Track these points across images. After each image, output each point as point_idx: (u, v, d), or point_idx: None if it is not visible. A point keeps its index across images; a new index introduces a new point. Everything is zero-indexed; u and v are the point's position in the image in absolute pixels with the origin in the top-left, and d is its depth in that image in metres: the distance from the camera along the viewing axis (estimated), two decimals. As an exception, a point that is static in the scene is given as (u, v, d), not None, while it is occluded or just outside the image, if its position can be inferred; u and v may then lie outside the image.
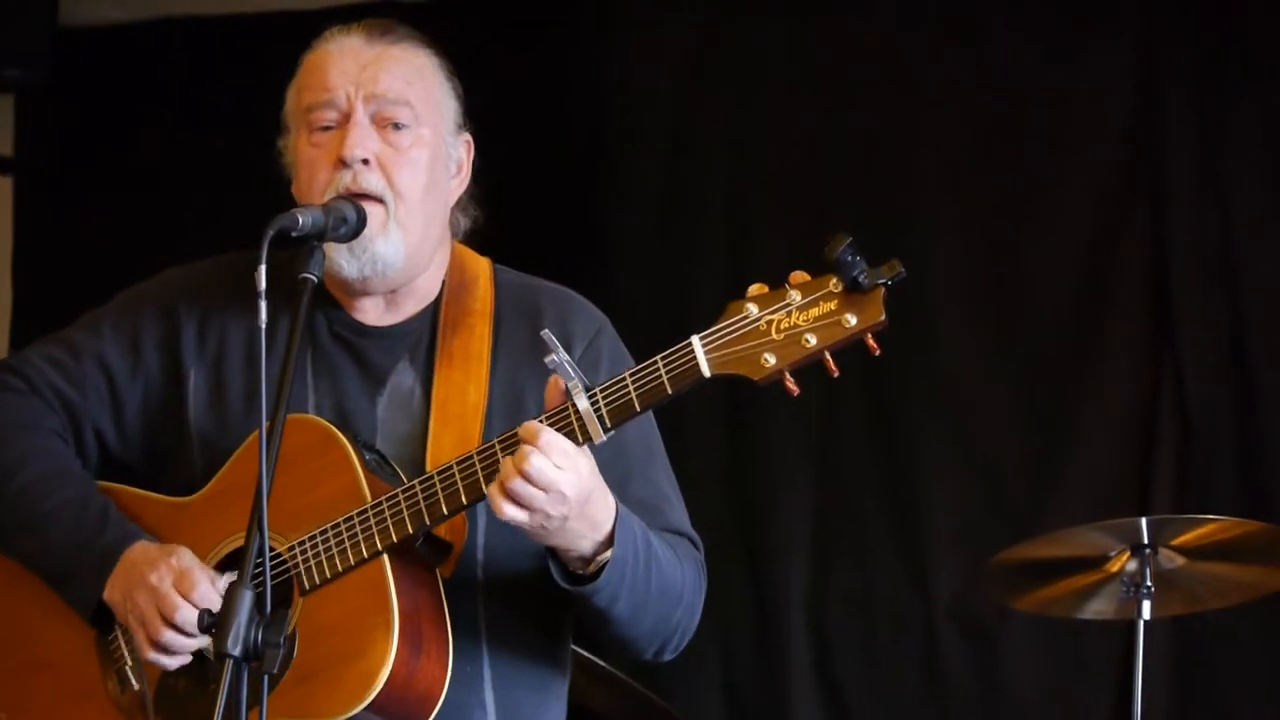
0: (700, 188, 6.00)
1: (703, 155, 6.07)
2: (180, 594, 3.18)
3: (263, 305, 2.92)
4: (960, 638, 5.71)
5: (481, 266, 3.48)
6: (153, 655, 3.22)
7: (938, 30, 5.89)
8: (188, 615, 3.16)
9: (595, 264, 5.74)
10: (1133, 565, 4.69)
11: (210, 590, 3.19)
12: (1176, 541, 4.69)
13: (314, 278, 3.10)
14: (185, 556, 3.24)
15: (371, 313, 3.43)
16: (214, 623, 2.84)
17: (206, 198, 6.26)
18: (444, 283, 3.44)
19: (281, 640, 2.81)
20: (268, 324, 2.99)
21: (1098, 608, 4.85)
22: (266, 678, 2.81)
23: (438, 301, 3.42)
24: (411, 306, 3.43)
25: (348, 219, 3.22)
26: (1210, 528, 4.70)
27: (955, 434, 5.78)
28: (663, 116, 6.16)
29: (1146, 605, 4.67)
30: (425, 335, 3.40)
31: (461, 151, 3.45)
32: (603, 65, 6.24)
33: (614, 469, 3.28)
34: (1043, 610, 4.97)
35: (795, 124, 5.92)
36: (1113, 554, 4.73)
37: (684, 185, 6.05)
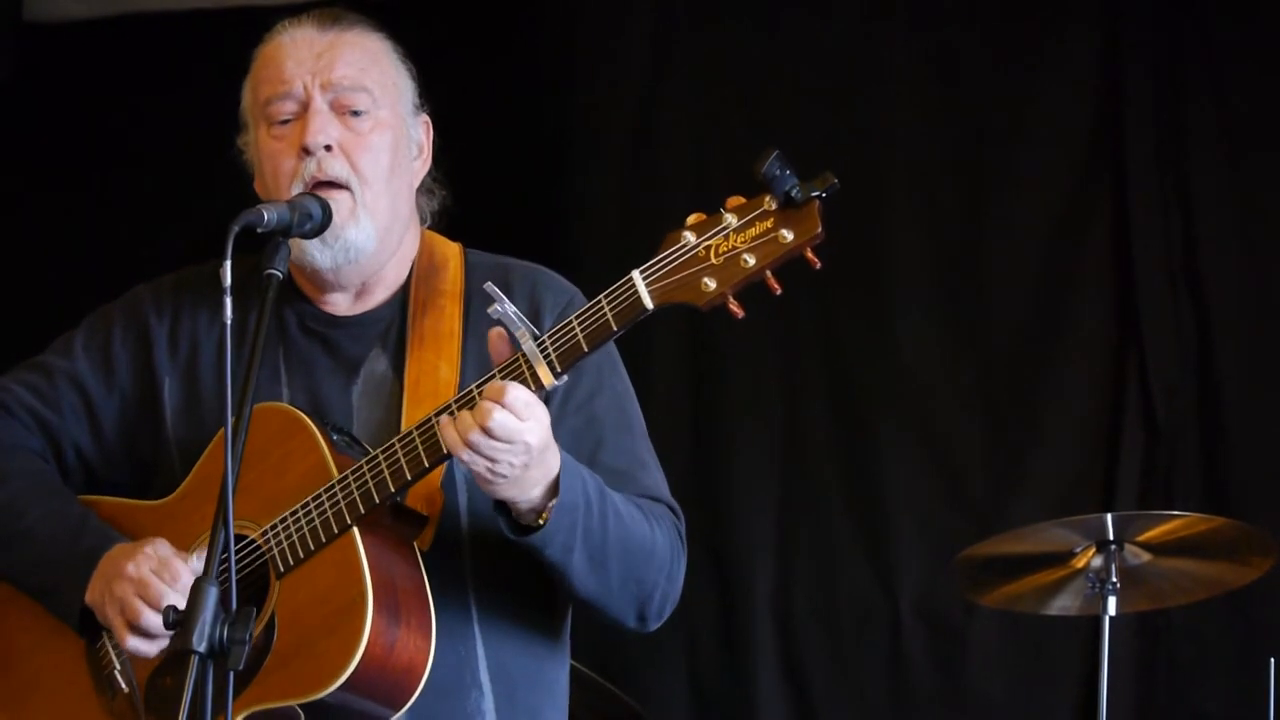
0: (663, 181, 6.01)
1: (666, 148, 6.07)
2: (158, 576, 3.18)
3: (228, 301, 2.91)
4: (926, 634, 5.72)
5: (451, 250, 3.48)
6: (131, 642, 3.20)
7: (900, 28, 5.90)
8: (170, 601, 3.14)
9: (560, 256, 5.75)
10: (1098, 561, 4.72)
11: (184, 572, 3.18)
12: (1142, 538, 4.71)
13: (279, 274, 3.08)
14: (162, 546, 3.23)
15: (341, 302, 3.42)
16: (179, 620, 2.83)
17: (170, 194, 6.24)
18: (412, 267, 3.44)
19: (248, 637, 2.80)
20: (238, 323, 2.99)
21: (1063, 604, 4.87)
22: (232, 675, 2.80)
23: (406, 286, 3.42)
24: (381, 293, 3.43)
25: (313, 215, 3.21)
26: (1175, 524, 4.72)
27: (920, 431, 5.80)
28: (627, 109, 6.17)
29: (1112, 601, 4.69)
30: (396, 320, 3.40)
31: (421, 133, 3.45)
32: (567, 58, 6.24)
33: (587, 437, 3.29)
34: (1008, 606, 5.00)
35: (757, 120, 5.92)
36: (1078, 550, 4.75)
37: (648, 176, 6.06)
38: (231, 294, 2.93)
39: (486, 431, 2.97)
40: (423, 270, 3.43)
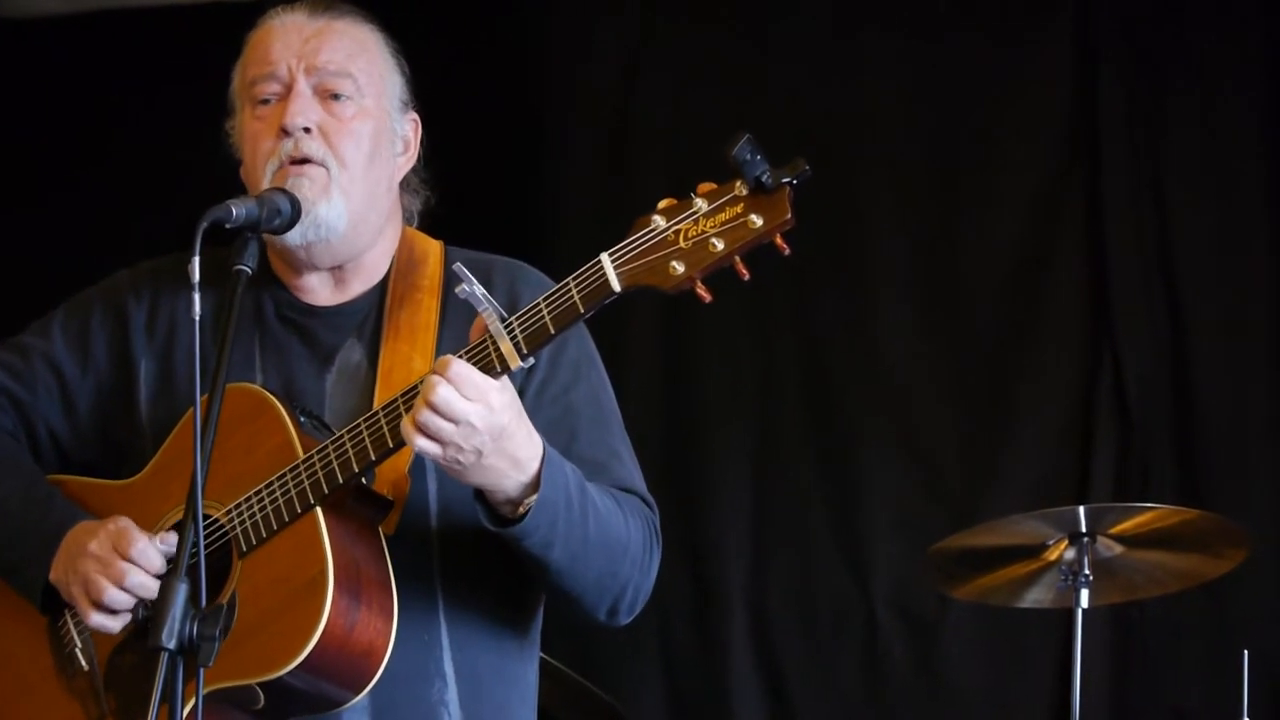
0: (640, 174, 6.01)
1: (642, 142, 6.08)
2: (119, 553, 3.18)
3: (196, 298, 2.92)
4: (900, 627, 5.73)
5: (432, 246, 3.48)
6: (95, 618, 3.21)
7: (877, 19, 5.91)
8: (133, 578, 3.16)
9: (535, 249, 5.76)
10: (1071, 554, 4.72)
11: (149, 547, 3.18)
12: (1114, 530, 4.72)
13: (247, 269, 3.09)
14: (123, 520, 3.24)
15: (320, 293, 3.42)
16: (150, 615, 2.84)
17: (146, 190, 6.23)
18: (392, 262, 3.44)
19: (218, 634, 2.81)
20: (216, 313, 2.99)
21: (1036, 596, 4.88)
22: (201, 671, 2.81)
23: (385, 279, 3.42)
24: (359, 285, 3.43)
25: (282, 210, 3.21)
26: (1148, 516, 4.73)
27: (894, 423, 5.81)
28: (603, 103, 6.18)
29: (1085, 594, 4.69)
30: (373, 312, 3.39)
31: (408, 129, 3.45)
32: (543, 51, 6.25)
33: (561, 428, 3.28)
34: (982, 599, 5.00)
35: (733, 114, 5.92)
36: (1051, 542, 4.76)
37: (624, 170, 6.07)
38: (201, 288, 2.93)
39: (431, 407, 2.96)
40: (402, 264, 3.43)
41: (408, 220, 3.50)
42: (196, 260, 2.93)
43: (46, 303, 3.62)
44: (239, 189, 3.37)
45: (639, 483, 3.39)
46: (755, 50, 6.01)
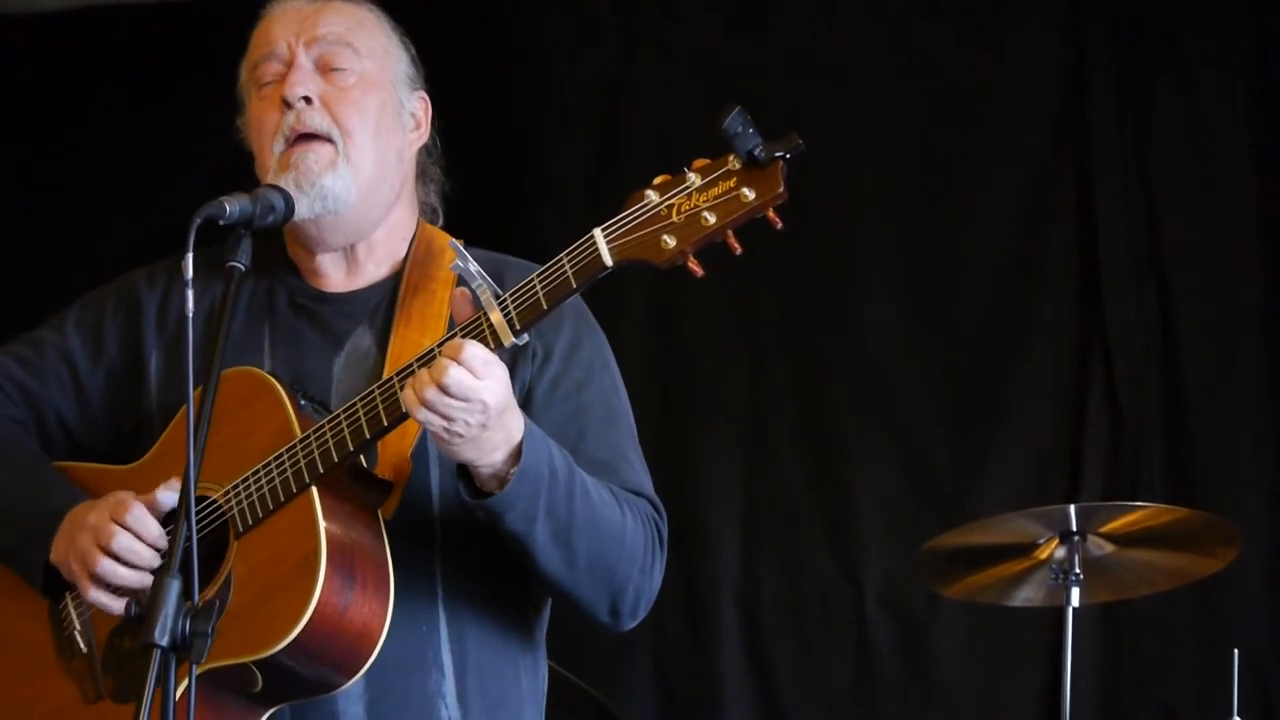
0: (630, 162, 6.00)
1: (633, 130, 6.08)
2: (115, 522, 3.18)
3: (189, 294, 2.94)
4: (891, 625, 5.74)
5: (449, 243, 3.48)
6: (93, 594, 3.20)
7: (863, 12, 5.91)
8: (124, 542, 3.16)
9: (527, 237, 5.76)
10: (1061, 552, 4.72)
11: (145, 515, 3.18)
12: (1105, 528, 4.72)
13: (241, 266, 3.10)
14: (122, 493, 3.24)
15: (333, 278, 3.43)
16: (141, 614, 2.84)
17: (137, 188, 6.23)
18: (410, 253, 3.45)
19: (210, 630, 2.81)
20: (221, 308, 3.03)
21: (1027, 595, 4.88)
22: (194, 666, 2.81)
23: (401, 269, 3.43)
24: (373, 269, 3.44)
25: (275, 207, 3.21)
26: (1138, 515, 4.73)
27: (884, 421, 5.80)
28: (594, 91, 6.18)
29: (1075, 592, 4.69)
30: (385, 300, 3.40)
31: (417, 106, 3.46)
32: (535, 39, 6.25)
33: (570, 427, 3.28)
34: (972, 598, 5.00)
35: (723, 102, 5.90)
36: (1041, 541, 4.76)
37: (615, 158, 6.07)
38: (210, 283, 2.97)
39: (442, 388, 2.95)
40: (419, 257, 3.44)
41: (433, 217, 3.52)
42: (190, 256, 2.95)
43: (42, 298, 3.64)
44: (237, 184, 3.37)
45: (647, 487, 3.37)
46: (744, 37, 6.01)
